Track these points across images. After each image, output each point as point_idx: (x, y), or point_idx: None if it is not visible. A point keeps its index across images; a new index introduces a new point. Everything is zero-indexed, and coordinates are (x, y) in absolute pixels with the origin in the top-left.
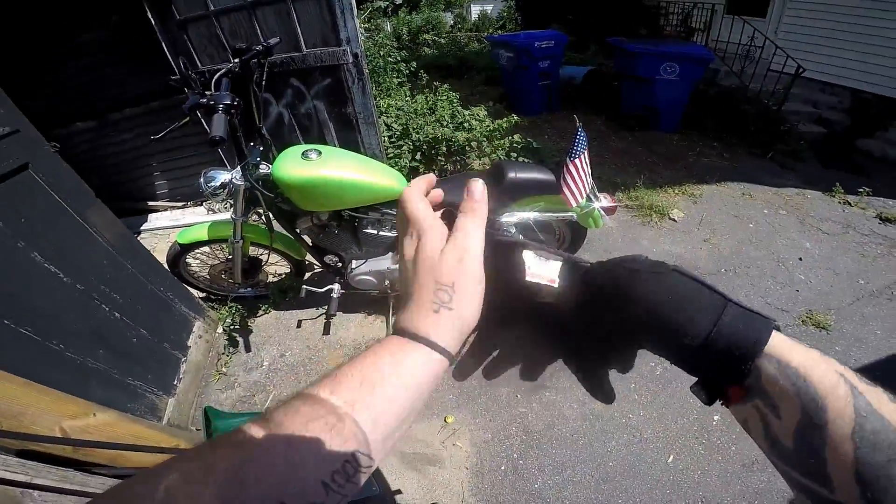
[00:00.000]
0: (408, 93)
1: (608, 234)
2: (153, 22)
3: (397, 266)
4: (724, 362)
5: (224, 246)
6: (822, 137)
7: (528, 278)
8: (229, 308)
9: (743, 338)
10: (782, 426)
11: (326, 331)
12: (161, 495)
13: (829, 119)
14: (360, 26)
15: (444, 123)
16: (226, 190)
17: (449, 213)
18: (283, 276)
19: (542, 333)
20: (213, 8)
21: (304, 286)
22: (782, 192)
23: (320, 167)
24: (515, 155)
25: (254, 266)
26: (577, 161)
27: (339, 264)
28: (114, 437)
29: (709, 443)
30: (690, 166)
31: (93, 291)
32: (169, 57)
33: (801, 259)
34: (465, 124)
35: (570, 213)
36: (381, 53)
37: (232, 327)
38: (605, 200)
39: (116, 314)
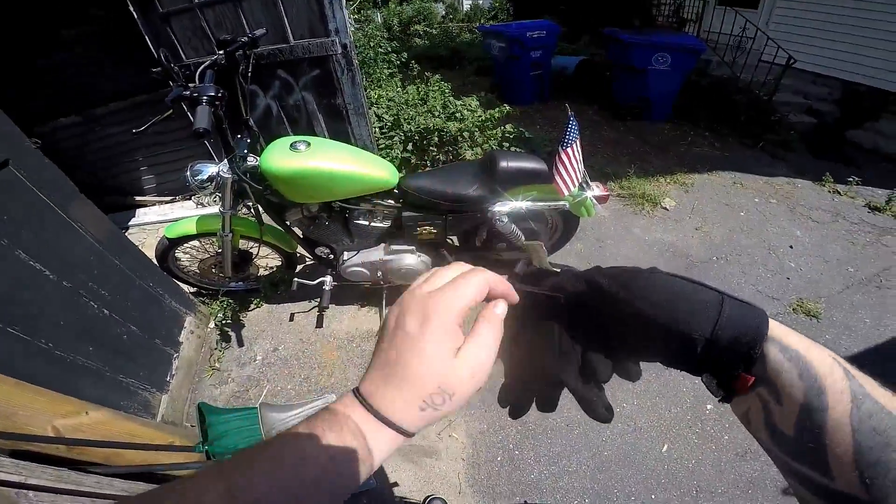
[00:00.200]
0: (399, 83)
1: (600, 223)
2: (135, 15)
3: (390, 258)
4: (734, 351)
5: (213, 240)
6: (812, 128)
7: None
8: (220, 302)
9: (747, 326)
10: (783, 413)
11: (319, 323)
12: None
13: (819, 110)
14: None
15: (436, 114)
16: (213, 183)
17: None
18: (275, 269)
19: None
20: (196, 0)
21: (296, 279)
22: (773, 182)
23: (309, 158)
24: (507, 145)
25: (244, 259)
26: (569, 150)
27: (331, 256)
28: (107, 436)
29: (702, 432)
30: (682, 156)
31: (80, 288)
32: (153, 50)
33: (791, 247)
34: (457, 115)
35: (562, 202)
36: (372, 44)
37: (224, 322)
38: (597, 189)
39: (105, 311)
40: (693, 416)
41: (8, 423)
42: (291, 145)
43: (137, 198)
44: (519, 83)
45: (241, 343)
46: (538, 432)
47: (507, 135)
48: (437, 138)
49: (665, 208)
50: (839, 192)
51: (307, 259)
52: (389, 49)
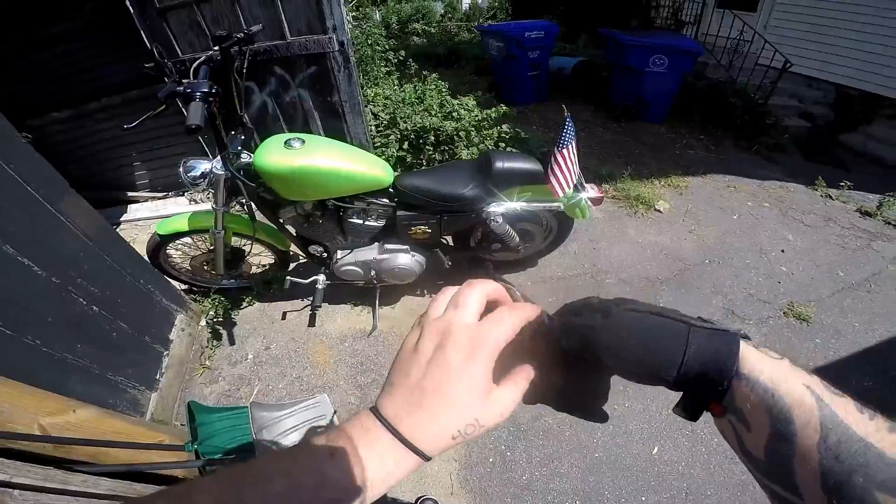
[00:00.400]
0: (396, 82)
1: (595, 225)
2: (131, 10)
3: (384, 257)
4: (702, 385)
5: (206, 237)
6: (806, 132)
7: None
8: (212, 300)
9: (714, 360)
10: (754, 439)
11: (312, 322)
12: None
13: (813, 113)
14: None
15: (433, 113)
16: (206, 180)
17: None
18: (267, 267)
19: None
20: None
21: (289, 277)
22: (766, 185)
23: (303, 156)
24: (504, 145)
25: (237, 257)
26: (564, 151)
27: (324, 255)
28: (95, 434)
29: (693, 435)
30: (677, 158)
31: (69, 284)
32: (148, 44)
33: (783, 251)
34: (454, 114)
35: (557, 204)
36: (370, 42)
37: (215, 320)
38: (591, 191)
39: (95, 308)
40: (684, 419)
41: None
42: (286, 142)
43: (129, 193)
44: (516, 83)
45: (232, 341)
46: (530, 434)
47: (503, 135)
48: (433, 137)
49: (659, 211)
50: (831, 197)
51: (300, 257)
52: (387, 47)
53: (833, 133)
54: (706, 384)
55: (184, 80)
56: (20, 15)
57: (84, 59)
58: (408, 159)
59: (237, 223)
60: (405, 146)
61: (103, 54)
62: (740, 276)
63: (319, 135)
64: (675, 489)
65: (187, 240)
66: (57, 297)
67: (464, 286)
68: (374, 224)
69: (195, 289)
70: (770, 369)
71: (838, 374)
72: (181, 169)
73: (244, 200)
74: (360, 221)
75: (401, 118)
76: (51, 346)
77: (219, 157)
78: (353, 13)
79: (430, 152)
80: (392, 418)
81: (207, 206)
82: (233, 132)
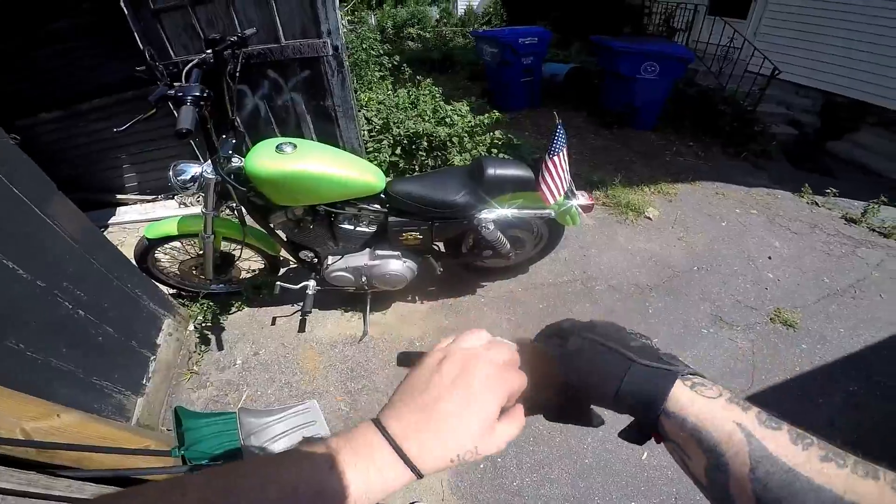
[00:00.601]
0: (390, 87)
1: (585, 232)
2: (126, 11)
3: (375, 263)
4: (636, 416)
5: (195, 241)
6: (793, 139)
7: None
8: (201, 305)
9: (644, 396)
10: (695, 465)
11: (302, 328)
12: None
13: (801, 121)
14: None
15: (426, 118)
16: (196, 183)
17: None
18: (257, 272)
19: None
20: None
21: (279, 282)
22: (753, 192)
23: (295, 161)
24: (496, 151)
25: (226, 262)
26: (555, 158)
27: (315, 260)
28: (79, 439)
29: None
30: (667, 164)
31: (54, 288)
32: (141, 46)
33: (770, 258)
34: (447, 119)
35: (548, 211)
36: (364, 46)
37: (203, 325)
38: (582, 198)
39: (80, 311)
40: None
41: None
42: (277, 147)
43: (118, 196)
44: (510, 89)
45: (220, 347)
46: (521, 440)
47: (495, 141)
48: (426, 143)
49: (649, 218)
50: (817, 204)
51: (290, 262)
52: (382, 52)
53: (820, 140)
54: (638, 415)
55: (175, 84)
56: (12, 13)
57: (76, 59)
58: (400, 165)
59: (227, 228)
60: (398, 151)
61: (96, 55)
62: (728, 282)
63: (312, 139)
64: (664, 494)
65: (176, 244)
66: (42, 301)
67: (499, 339)
68: (366, 230)
69: (183, 293)
70: (698, 409)
71: (824, 379)
72: (171, 172)
73: (234, 205)
74: (352, 227)
75: (394, 123)
76: (35, 351)
77: (209, 161)
78: (349, 17)
79: (422, 158)
80: (397, 435)
81: (197, 209)
82: (224, 136)
